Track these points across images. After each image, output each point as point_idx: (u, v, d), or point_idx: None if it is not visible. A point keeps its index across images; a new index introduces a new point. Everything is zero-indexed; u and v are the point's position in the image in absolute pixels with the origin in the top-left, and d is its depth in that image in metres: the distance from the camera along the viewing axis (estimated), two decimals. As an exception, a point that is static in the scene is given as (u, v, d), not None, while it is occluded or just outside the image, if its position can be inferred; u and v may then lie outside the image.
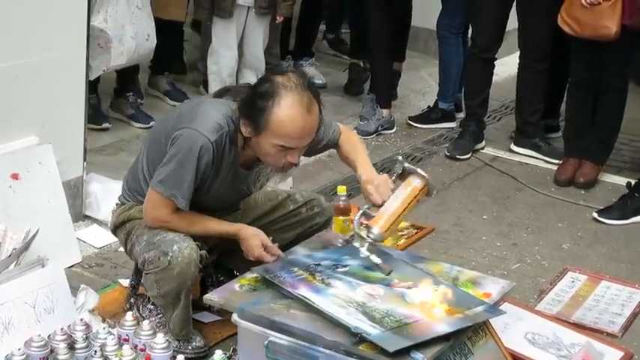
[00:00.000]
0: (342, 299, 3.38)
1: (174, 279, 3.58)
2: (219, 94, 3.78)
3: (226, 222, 3.77)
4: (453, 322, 3.27)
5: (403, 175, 3.68)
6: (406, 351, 3.13)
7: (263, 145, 3.53)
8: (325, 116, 3.86)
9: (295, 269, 3.56)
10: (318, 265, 3.61)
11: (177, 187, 3.58)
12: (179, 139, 3.56)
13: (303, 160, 5.79)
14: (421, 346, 3.16)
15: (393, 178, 3.69)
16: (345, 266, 3.60)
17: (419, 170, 3.66)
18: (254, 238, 3.69)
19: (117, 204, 3.92)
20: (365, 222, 3.59)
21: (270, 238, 3.79)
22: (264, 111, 3.44)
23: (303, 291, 3.41)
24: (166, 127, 3.70)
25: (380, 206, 3.61)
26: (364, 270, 3.58)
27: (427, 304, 3.38)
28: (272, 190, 4.15)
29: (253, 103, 3.49)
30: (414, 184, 3.65)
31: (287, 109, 3.44)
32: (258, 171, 3.76)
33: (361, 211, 3.63)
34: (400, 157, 3.74)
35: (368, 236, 3.56)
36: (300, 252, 3.77)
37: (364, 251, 3.57)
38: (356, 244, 3.61)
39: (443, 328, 3.24)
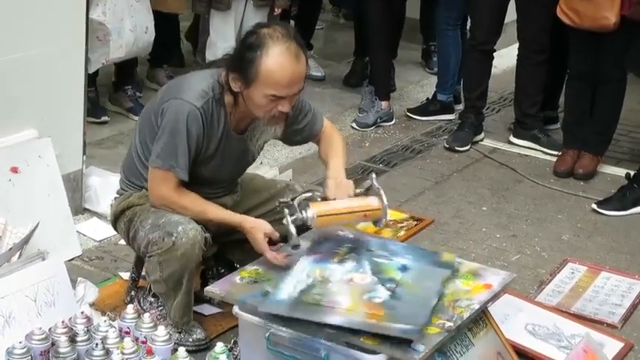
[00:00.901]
0: (319, 273, 3.51)
1: (178, 260, 3.58)
2: (206, 67, 3.82)
3: (229, 211, 3.76)
4: (351, 321, 3.25)
5: (368, 192, 3.73)
6: (407, 342, 3.14)
7: (254, 97, 3.56)
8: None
9: (345, 246, 3.72)
10: (371, 250, 3.70)
11: (172, 158, 3.60)
12: (166, 111, 3.61)
13: (302, 152, 5.88)
14: (421, 337, 3.18)
15: (359, 190, 3.73)
16: (389, 259, 3.65)
17: (382, 194, 3.69)
18: (258, 233, 3.64)
19: (115, 197, 3.92)
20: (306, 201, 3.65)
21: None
22: (253, 62, 3.49)
23: (306, 258, 3.61)
24: (154, 105, 3.74)
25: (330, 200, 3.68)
26: (394, 269, 3.59)
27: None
28: (271, 179, 4.16)
29: (241, 56, 3.54)
30: (369, 201, 3.70)
31: (275, 58, 3.48)
32: (252, 129, 3.76)
33: (310, 193, 3.70)
34: (374, 175, 3.79)
35: (300, 211, 3.59)
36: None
37: (289, 220, 3.56)
38: (285, 211, 3.59)
39: (335, 319, 3.25)
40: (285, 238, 3.70)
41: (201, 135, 3.62)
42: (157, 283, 3.72)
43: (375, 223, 3.75)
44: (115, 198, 3.91)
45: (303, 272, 3.51)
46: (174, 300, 3.72)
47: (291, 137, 3.98)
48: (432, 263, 3.64)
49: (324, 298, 3.36)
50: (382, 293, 3.40)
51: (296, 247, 3.63)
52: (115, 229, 3.96)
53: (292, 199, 3.67)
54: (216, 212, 3.73)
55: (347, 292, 3.41)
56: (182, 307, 3.73)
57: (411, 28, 7.73)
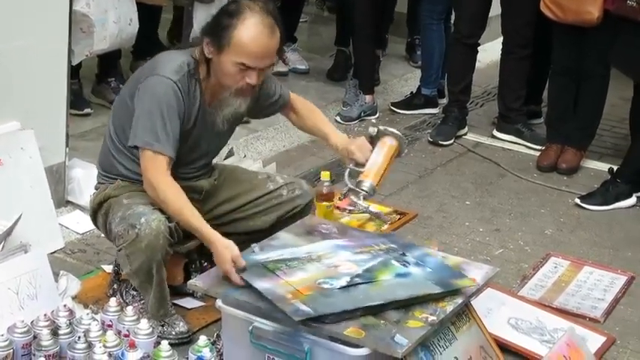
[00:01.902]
0: (324, 254, 3.59)
1: (143, 252, 3.57)
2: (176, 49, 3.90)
3: (204, 223, 3.63)
4: (267, 289, 3.32)
5: (377, 137, 3.94)
6: (389, 335, 3.15)
7: (224, 64, 3.59)
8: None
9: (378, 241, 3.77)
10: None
11: (153, 135, 3.59)
12: (143, 88, 3.63)
13: (286, 145, 5.87)
14: (404, 331, 3.19)
15: (368, 140, 3.93)
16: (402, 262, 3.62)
17: (393, 130, 3.96)
18: (225, 251, 3.52)
19: (93, 193, 3.91)
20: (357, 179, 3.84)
21: (251, 223, 3.85)
22: (228, 28, 3.56)
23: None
24: (129, 88, 3.76)
25: (363, 165, 3.86)
26: (390, 271, 3.56)
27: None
28: (252, 170, 4.16)
29: (218, 21, 3.61)
30: (388, 143, 3.92)
31: (251, 27, 3.56)
32: (220, 101, 3.77)
33: (348, 170, 3.88)
34: (374, 121, 3.95)
35: (362, 189, 3.79)
36: (285, 238, 3.76)
37: (362, 203, 3.78)
38: (352, 197, 3.81)
39: (258, 284, 3.34)
40: (264, 231, 3.89)
41: (181, 108, 3.64)
42: (130, 276, 3.73)
43: (399, 155, 4.00)
44: (93, 193, 3.90)
45: (305, 249, 3.60)
46: (150, 293, 3.71)
47: (263, 111, 4.08)
48: (440, 281, 3.50)
49: (285, 270, 3.42)
50: (337, 283, 3.39)
51: (378, 215, 4.06)
52: (95, 224, 3.94)
53: (345, 193, 3.88)
54: (192, 218, 3.61)
55: (311, 271, 3.45)
56: (157, 300, 3.72)
57: (396, 21, 7.72)
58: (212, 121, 3.81)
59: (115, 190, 3.78)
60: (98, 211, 3.84)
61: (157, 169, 3.61)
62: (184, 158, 3.78)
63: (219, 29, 3.58)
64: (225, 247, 3.50)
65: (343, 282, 3.39)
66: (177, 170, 3.74)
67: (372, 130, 3.94)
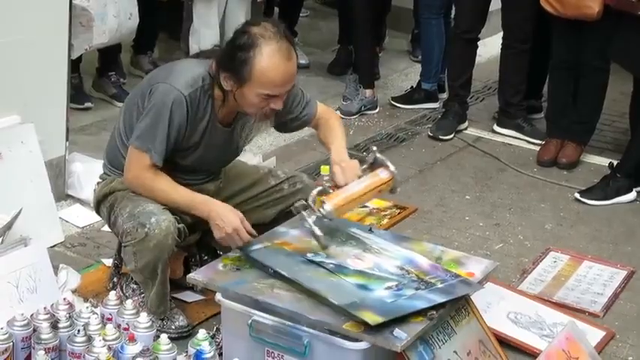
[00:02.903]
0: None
1: (151, 251, 3.58)
2: (195, 57, 3.79)
3: (200, 195, 3.70)
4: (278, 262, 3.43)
5: (373, 166, 3.73)
6: (389, 330, 3.15)
7: (247, 97, 3.55)
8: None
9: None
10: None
11: (150, 141, 3.60)
12: (154, 94, 3.61)
13: (287, 139, 5.87)
14: (403, 324, 3.19)
15: (364, 167, 3.73)
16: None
17: (389, 164, 3.71)
18: (232, 212, 3.62)
19: (98, 182, 3.91)
20: (320, 197, 3.61)
21: (252, 217, 3.83)
22: (247, 62, 3.48)
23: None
24: (141, 88, 3.73)
25: (339, 188, 3.65)
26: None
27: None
28: (253, 165, 4.16)
29: (233, 56, 3.52)
30: (380, 175, 3.71)
31: (268, 59, 3.48)
32: (242, 124, 3.77)
33: (320, 188, 3.66)
34: (374, 148, 3.81)
35: (319, 210, 3.57)
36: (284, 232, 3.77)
37: (310, 222, 3.57)
38: (303, 212, 3.61)
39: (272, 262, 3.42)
40: (264, 225, 3.83)
41: (184, 123, 3.61)
42: (134, 272, 3.74)
43: (391, 191, 3.77)
44: (98, 183, 3.90)
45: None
46: (152, 289, 3.72)
47: (287, 125, 3.99)
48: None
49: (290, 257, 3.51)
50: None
51: (325, 247, 3.61)
52: (98, 213, 3.94)
53: (305, 200, 3.66)
54: (187, 196, 3.66)
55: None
56: (158, 298, 3.73)
57: (395, 16, 7.73)
58: (226, 139, 3.80)
59: (121, 184, 3.78)
60: (102, 202, 3.83)
61: (142, 167, 3.64)
62: (190, 169, 3.79)
63: (236, 64, 3.51)
64: (231, 210, 3.62)
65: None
66: (184, 177, 3.76)
67: (370, 157, 3.76)
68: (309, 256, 3.54)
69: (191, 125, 3.64)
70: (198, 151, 3.74)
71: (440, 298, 3.31)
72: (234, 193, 3.97)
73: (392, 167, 3.70)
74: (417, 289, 3.36)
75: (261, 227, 3.85)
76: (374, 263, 3.53)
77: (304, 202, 3.64)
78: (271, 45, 3.49)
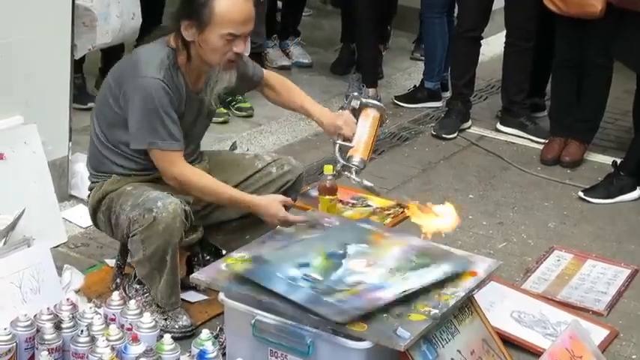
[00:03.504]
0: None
1: (160, 235, 3.59)
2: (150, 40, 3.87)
3: (244, 193, 3.82)
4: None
5: (359, 109, 4.00)
6: (392, 329, 3.15)
7: (211, 41, 3.62)
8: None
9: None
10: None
11: (159, 135, 3.64)
12: (131, 92, 3.65)
13: (290, 139, 5.87)
14: (407, 323, 3.19)
15: (351, 112, 3.99)
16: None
17: (374, 102, 4.11)
18: (273, 203, 3.75)
19: (88, 194, 3.92)
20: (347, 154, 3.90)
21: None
22: (206, 4, 3.58)
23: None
24: (110, 89, 3.78)
25: (350, 140, 3.91)
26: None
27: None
28: (239, 153, 4.18)
29: (192, 1, 3.61)
30: (372, 114, 3.99)
31: None
32: (206, 79, 3.80)
33: (337, 146, 3.91)
34: (355, 93, 4.07)
35: (353, 164, 3.85)
36: (287, 232, 3.77)
37: (355, 177, 3.81)
38: (346, 173, 3.85)
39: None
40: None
41: (173, 102, 3.67)
42: (141, 263, 3.71)
43: (382, 125, 4.10)
44: (89, 195, 3.91)
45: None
46: (159, 282, 3.72)
47: (243, 87, 4.12)
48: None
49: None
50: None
51: (372, 189, 3.99)
52: (96, 224, 3.94)
53: (338, 171, 3.93)
54: (229, 191, 3.77)
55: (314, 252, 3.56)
56: (169, 287, 3.73)
57: (400, 15, 7.72)
58: (199, 105, 3.85)
59: (111, 185, 3.79)
60: (98, 208, 3.84)
61: (171, 164, 3.68)
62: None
63: (196, 7, 3.59)
64: (271, 200, 3.77)
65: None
66: None
67: (355, 103, 3.99)
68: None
69: (177, 99, 3.70)
70: (183, 125, 3.76)
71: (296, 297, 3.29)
72: (223, 180, 3.97)
73: (377, 102, 4.07)
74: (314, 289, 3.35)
75: (254, 215, 3.89)
76: (367, 270, 3.54)
77: (337, 165, 3.89)
78: None
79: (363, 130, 3.94)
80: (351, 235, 3.74)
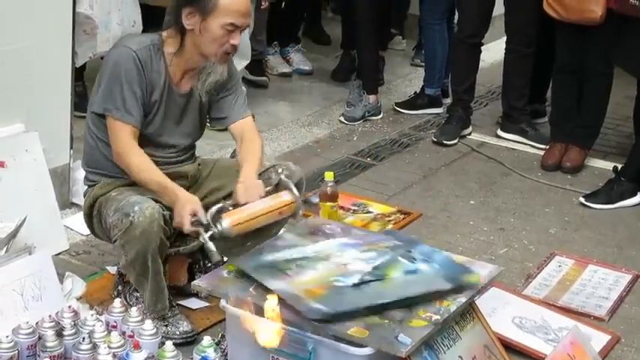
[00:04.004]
0: (332, 252, 3.62)
1: (138, 240, 3.58)
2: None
3: (171, 182, 3.72)
4: (284, 290, 3.34)
5: (278, 188, 3.78)
6: (393, 334, 3.16)
7: (212, 29, 3.67)
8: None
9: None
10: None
11: (119, 104, 3.67)
12: (104, 62, 3.77)
13: (290, 146, 5.88)
14: (408, 329, 3.20)
15: (268, 188, 3.76)
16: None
17: (292, 188, 3.75)
18: (187, 204, 3.61)
19: (84, 197, 3.94)
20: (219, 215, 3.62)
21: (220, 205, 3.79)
22: None
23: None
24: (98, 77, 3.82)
25: (239, 207, 3.66)
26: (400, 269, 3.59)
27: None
28: (234, 160, 4.19)
29: None
30: (282, 197, 3.73)
31: None
32: (198, 72, 3.83)
33: (220, 205, 3.66)
34: (280, 170, 3.86)
35: (216, 226, 3.57)
36: (289, 238, 3.77)
37: (205, 237, 3.55)
38: (200, 229, 3.57)
39: (275, 284, 3.35)
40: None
41: (142, 77, 3.69)
42: (126, 269, 3.72)
43: (293, 217, 3.79)
44: (84, 202, 3.93)
45: (312, 248, 3.62)
46: (147, 288, 3.72)
47: (217, 109, 3.99)
48: (448, 277, 3.52)
49: (295, 270, 3.45)
50: (349, 281, 3.42)
51: (218, 262, 3.68)
52: (93, 231, 3.95)
53: (205, 227, 3.62)
54: (154, 175, 3.71)
55: (322, 270, 3.48)
56: (154, 293, 3.71)
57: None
58: (184, 102, 3.86)
59: (100, 189, 3.81)
60: (91, 214, 3.86)
61: (118, 136, 3.69)
62: (159, 140, 3.83)
63: None
64: (187, 200, 3.61)
65: (355, 279, 3.42)
66: (157, 154, 3.81)
67: (274, 179, 3.83)
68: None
69: (149, 80, 3.72)
70: (158, 116, 3.78)
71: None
72: (221, 185, 3.98)
73: (294, 190, 3.74)
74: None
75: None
76: (360, 260, 3.58)
77: (200, 218, 3.59)
78: None
79: (258, 205, 3.66)
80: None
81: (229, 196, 3.85)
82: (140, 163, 3.70)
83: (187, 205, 3.60)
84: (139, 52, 3.68)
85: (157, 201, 3.65)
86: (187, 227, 3.58)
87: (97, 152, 3.84)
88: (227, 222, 3.57)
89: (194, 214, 3.57)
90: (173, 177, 3.77)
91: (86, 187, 3.95)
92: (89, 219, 3.89)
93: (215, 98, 3.95)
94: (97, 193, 3.82)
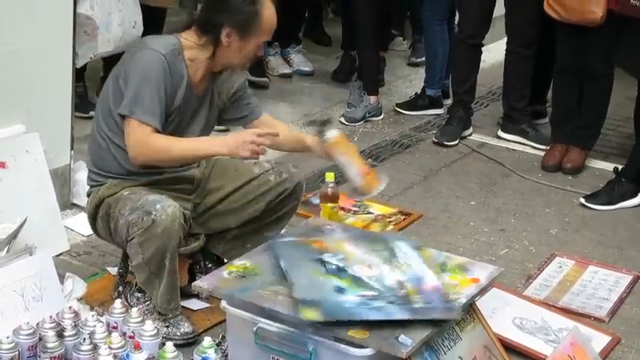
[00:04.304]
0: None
1: (159, 237, 3.59)
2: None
3: (206, 140, 3.84)
4: (392, 313, 3.27)
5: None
6: (394, 335, 3.15)
7: (249, 47, 3.77)
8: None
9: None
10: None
11: (145, 108, 3.65)
12: (132, 61, 3.72)
13: (291, 146, 5.86)
14: (409, 330, 3.19)
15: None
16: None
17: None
18: (244, 134, 3.74)
19: (87, 196, 3.93)
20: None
21: (242, 214, 3.96)
22: (256, 14, 3.72)
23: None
24: (116, 70, 3.80)
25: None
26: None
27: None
28: (238, 161, 4.21)
29: (240, 10, 3.72)
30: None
31: (269, 8, 3.77)
32: (219, 84, 3.91)
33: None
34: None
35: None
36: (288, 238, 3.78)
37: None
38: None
39: (376, 315, 3.26)
40: (255, 217, 3.99)
41: (168, 82, 3.70)
42: (140, 268, 3.71)
43: None
44: (87, 201, 3.92)
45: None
46: (158, 287, 3.71)
47: (236, 109, 4.05)
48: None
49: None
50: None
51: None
52: (96, 230, 3.94)
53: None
54: (197, 144, 3.79)
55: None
56: (168, 291, 3.72)
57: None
58: (198, 104, 3.87)
59: (108, 190, 3.80)
60: (96, 215, 3.85)
61: (141, 134, 3.66)
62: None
63: (242, 17, 3.70)
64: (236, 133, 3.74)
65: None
66: None
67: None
68: (325, 256, 3.54)
69: (173, 86, 3.72)
70: (176, 119, 3.79)
71: (401, 315, 3.23)
72: (220, 185, 4.00)
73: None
74: (390, 302, 3.29)
75: (254, 221, 3.95)
76: (378, 273, 3.50)
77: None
78: None
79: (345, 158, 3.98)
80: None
81: (228, 196, 3.93)
82: (167, 141, 3.71)
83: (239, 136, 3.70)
84: (167, 56, 3.69)
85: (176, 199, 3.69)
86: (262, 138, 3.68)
87: (107, 153, 3.82)
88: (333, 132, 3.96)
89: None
90: (179, 181, 3.80)
91: (89, 187, 3.94)
92: (93, 220, 3.88)
93: (231, 99, 4.00)
94: (104, 193, 3.81)
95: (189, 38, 3.77)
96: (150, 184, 3.80)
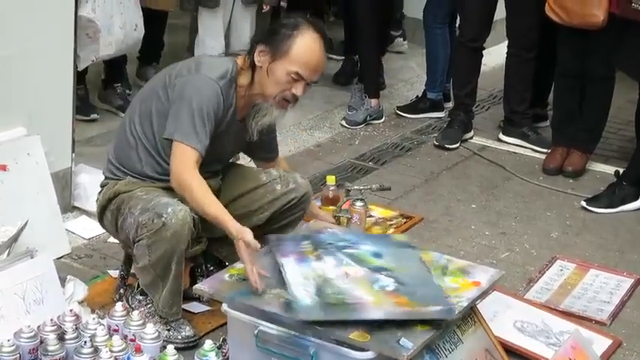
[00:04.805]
0: (315, 273, 3.46)
1: (168, 241, 3.59)
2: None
3: (228, 214, 3.64)
4: (392, 312, 3.27)
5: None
6: (395, 339, 3.15)
7: (277, 72, 3.69)
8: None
9: (305, 243, 3.69)
10: (331, 243, 3.70)
11: (194, 134, 3.64)
12: (188, 84, 3.69)
13: (292, 150, 5.88)
14: (410, 333, 3.19)
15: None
16: (356, 248, 3.67)
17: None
18: (238, 243, 3.55)
19: (99, 191, 3.92)
20: None
21: (246, 222, 3.81)
22: (289, 37, 3.67)
23: (287, 260, 3.54)
24: (162, 80, 3.80)
25: None
26: (370, 256, 3.62)
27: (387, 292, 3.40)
28: (254, 168, 4.21)
29: (276, 31, 3.70)
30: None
31: (309, 40, 3.70)
32: (255, 110, 3.82)
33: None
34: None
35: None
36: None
37: None
38: None
39: (376, 314, 3.25)
40: (261, 226, 3.97)
41: (219, 112, 3.70)
42: (145, 270, 3.70)
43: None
44: (100, 192, 3.91)
45: (298, 275, 3.46)
46: (161, 291, 3.71)
47: (266, 149, 4.15)
48: (394, 245, 3.74)
49: (345, 295, 3.36)
50: (387, 281, 3.43)
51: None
52: (102, 221, 3.94)
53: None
54: (217, 210, 3.62)
55: (357, 286, 3.42)
56: (171, 296, 3.72)
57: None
58: (236, 131, 3.85)
59: (125, 186, 3.80)
60: (107, 207, 3.85)
61: (185, 162, 3.65)
62: (204, 162, 3.79)
63: (277, 37, 3.68)
64: (238, 234, 3.50)
65: (389, 280, 3.45)
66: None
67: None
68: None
69: (222, 116, 3.73)
70: (216, 142, 3.77)
71: (401, 315, 3.26)
72: (228, 190, 3.99)
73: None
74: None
75: (257, 229, 3.89)
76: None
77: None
78: (313, 33, 3.71)
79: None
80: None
81: (233, 202, 3.93)
82: (202, 191, 3.63)
83: (239, 242, 3.51)
84: (223, 88, 3.69)
85: (187, 203, 3.67)
86: (248, 268, 3.47)
87: (134, 153, 3.83)
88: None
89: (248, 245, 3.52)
90: None
91: (104, 177, 3.93)
92: (103, 211, 3.88)
93: (264, 139, 3.99)
94: (120, 189, 3.81)
95: (241, 62, 3.78)
96: (166, 189, 3.79)
